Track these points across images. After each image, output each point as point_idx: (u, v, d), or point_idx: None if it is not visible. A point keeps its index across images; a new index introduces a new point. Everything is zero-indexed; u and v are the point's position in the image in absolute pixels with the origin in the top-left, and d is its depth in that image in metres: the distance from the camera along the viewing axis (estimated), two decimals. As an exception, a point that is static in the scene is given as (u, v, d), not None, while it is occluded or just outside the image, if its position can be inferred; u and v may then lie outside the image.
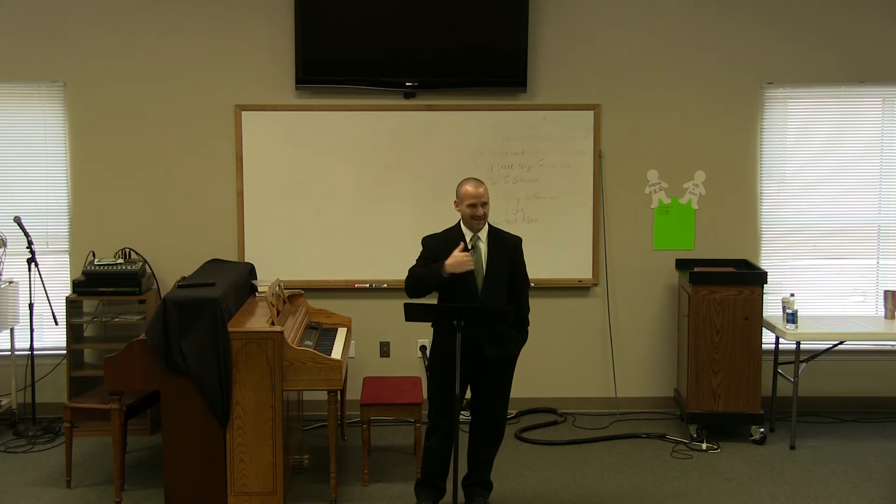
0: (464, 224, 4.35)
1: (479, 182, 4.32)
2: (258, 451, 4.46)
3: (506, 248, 4.38)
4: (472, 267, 4.21)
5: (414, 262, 4.36)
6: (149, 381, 4.48)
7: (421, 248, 4.38)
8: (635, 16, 5.95)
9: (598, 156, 5.98)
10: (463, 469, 4.46)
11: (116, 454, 4.59)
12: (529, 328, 5.96)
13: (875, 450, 5.43)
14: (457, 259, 4.18)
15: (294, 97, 5.89)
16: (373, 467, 5.05)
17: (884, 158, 6.07)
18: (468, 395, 4.43)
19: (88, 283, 5.61)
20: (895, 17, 5.96)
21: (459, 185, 4.35)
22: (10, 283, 5.75)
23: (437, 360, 4.37)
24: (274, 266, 5.79)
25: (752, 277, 5.52)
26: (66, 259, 5.97)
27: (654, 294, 6.10)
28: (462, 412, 4.55)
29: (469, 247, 4.30)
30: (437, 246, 4.32)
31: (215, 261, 5.62)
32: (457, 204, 4.35)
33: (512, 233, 4.48)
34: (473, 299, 4.25)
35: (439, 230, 4.43)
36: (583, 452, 5.40)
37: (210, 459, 4.46)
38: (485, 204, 4.30)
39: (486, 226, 4.37)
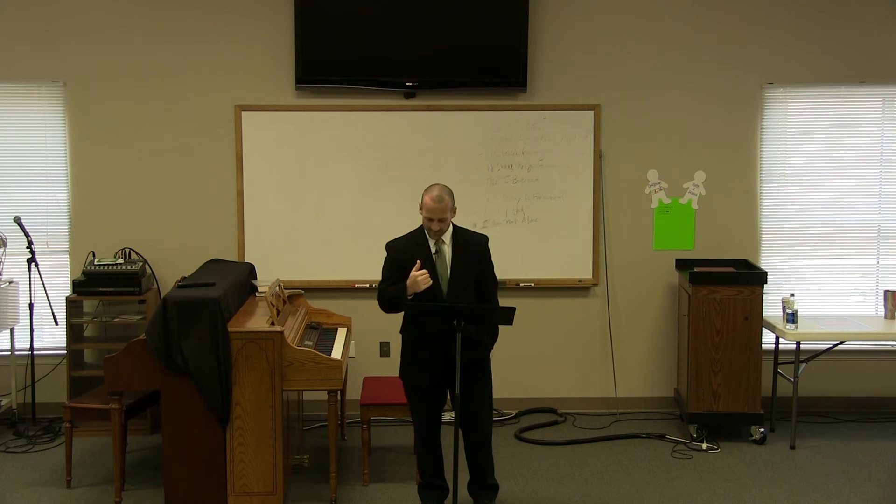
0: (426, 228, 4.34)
1: (442, 196, 4.21)
2: (258, 451, 4.46)
3: (471, 249, 4.33)
4: (430, 283, 4.17)
5: (381, 269, 4.36)
6: (149, 381, 4.48)
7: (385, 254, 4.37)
8: (635, 16, 5.95)
9: (598, 156, 5.98)
10: (466, 474, 4.47)
11: (116, 454, 4.59)
12: (529, 328, 6.00)
13: (875, 450, 5.43)
14: (413, 280, 4.17)
15: (294, 97, 5.89)
16: (373, 467, 5.05)
17: (884, 158, 6.07)
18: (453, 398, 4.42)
19: (88, 283, 5.61)
20: (895, 17, 5.96)
21: (425, 190, 4.29)
22: (10, 283, 5.75)
23: (410, 364, 4.37)
24: (274, 266, 5.78)
25: (752, 277, 5.52)
26: (66, 259, 5.97)
27: (654, 294, 6.10)
28: (447, 412, 4.54)
29: (433, 251, 4.29)
30: (401, 252, 4.31)
31: (215, 261, 5.62)
32: (420, 208, 4.32)
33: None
34: (440, 303, 4.23)
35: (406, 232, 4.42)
36: (583, 452, 5.40)
37: (210, 459, 4.46)
38: (442, 220, 4.22)
39: (451, 227, 4.34)
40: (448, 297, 4.25)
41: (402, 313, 4.36)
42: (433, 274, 4.23)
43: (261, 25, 5.86)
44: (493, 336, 4.42)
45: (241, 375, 4.43)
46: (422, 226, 4.36)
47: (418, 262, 4.21)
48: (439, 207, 4.21)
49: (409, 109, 5.92)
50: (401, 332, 4.41)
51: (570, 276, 6.05)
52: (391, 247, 4.38)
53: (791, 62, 5.98)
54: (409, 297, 4.20)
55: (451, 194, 4.28)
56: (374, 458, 5.21)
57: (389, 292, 4.28)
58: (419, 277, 4.16)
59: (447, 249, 4.31)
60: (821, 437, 5.63)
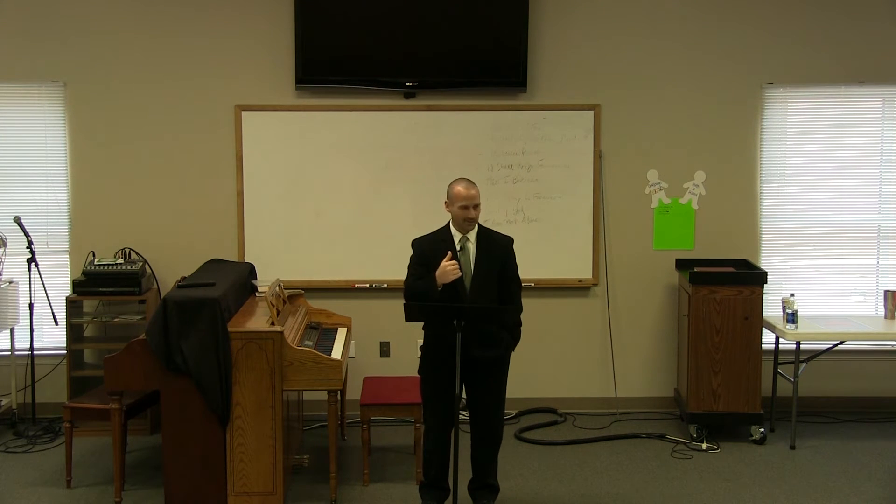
0: (453, 225, 4.34)
1: (471, 183, 4.29)
2: (258, 451, 4.46)
3: (495, 248, 4.35)
4: (459, 275, 4.19)
5: (407, 266, 4.37)
6: (149, 381, 4.48)
7: (411, 251, 4.38)
8: (635, 16, 5.95)
9: (598, 156, 5.98)
10: (468, 473, 4.47)
11: (116, 454, 4.59)
12: (529, 328, 5.96)
13: (875, 450, 5.43)
14: (443, 270, 4.18)
15: (294, 97, 5.89)
16: (373, 467, 5.05)
17: (884, 158, 6.07)
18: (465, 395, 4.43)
19: (88, 283, 5.62)
20: (895, 17, 5.97)
21: (451, 185, 4.32)
22: (10, 283, 5.75)
23: (427, 361, 4.38)
24: (274, 266, 5.79)
25: (752, 277, 5.52)
26: (66, 259, 5.97)
27: (654, 294, 6.10)
28: (461, 412, 4.55)
29: (458, 248, 4.30)
30: (427, 249, 4.32)
31: (215, 261, 5.62)
32: (447, 204, 4.33)
33: (505, 233, 4.46)
34: (462, 301, 4.23)
35: (430, 231, 4.42)
36: (583, 452, 5.40)
37: (210, 459, 4.46)
38: (476, 206, 4.27)
39: (476, 226, 4.35)
40: (470, 294, 4.26)
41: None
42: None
43: (261, 25, 5.86)
44: (515, 336, 4.42)
45: (241, 375, 4.43)
46: (447, 224, 4.37)
47: (449, 252, 4.22)
48: (473, 193, 4.26)
49: (409, 109, 5.92)
50: (423, 328, 4.41)
51: (570, 276, 6.05)
52: (417, 243, 4.39)
53: (791, 62, 5.98)
54: (439, 289, 4.20)
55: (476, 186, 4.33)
56: (374, 458, 5.21)
57: (418, 286, 4.28)
58: (448, 267, 4.17)
59: (472, 247, 4.32)
60: (821, 437, 5.63)
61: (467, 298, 4.25)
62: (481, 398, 4.35)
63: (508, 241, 4.42)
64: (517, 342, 4.43)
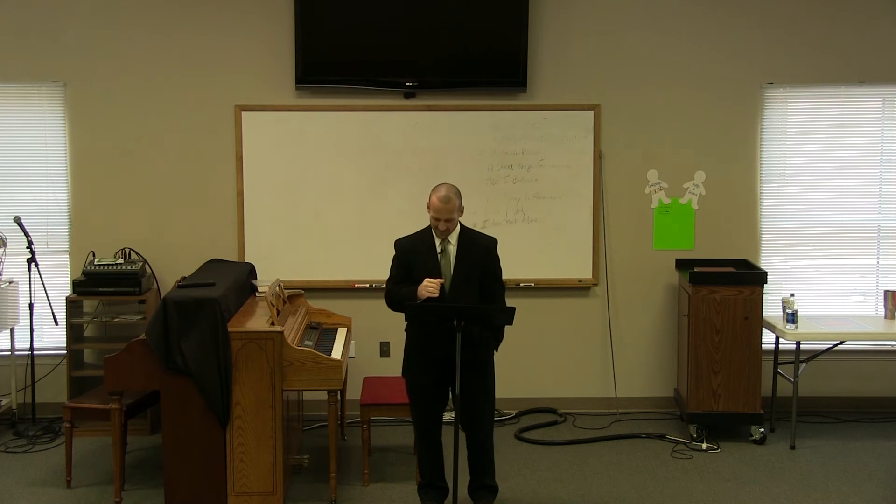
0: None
1: (449, 196, 4.22)
2: (258, 451, 4.46)
3: (477, 250, 4.33)
4: (436, 294, 4.16)
5: (390, 266, 4.39)
6: (149, 381, 4.48)
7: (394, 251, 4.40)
8: (635, 16, 5.95)
9: (598, 156, 5.98)
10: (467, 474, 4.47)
11: (116, 454, 4.59)
12: (529, 328, 5.98)
13: (875, 450, 5.43)
14: (423, 286, 4.17)
15: (294, 97, 5.89)
16: (373, 467, 5.05)
17: (884, 158, 6.07)
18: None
19: (88, 283, 5.61)
20: (895, 17, 5.97)
21: (433, 189, 4.30)
22: (10, 283, 5.75)
23: (412, 362, 4.38)
24: (274, 266, 5.79)
25: (752, 277, 5.52)
26: (66, 259, 5.97)
27: (654, 294, 6.10)
28: (448, 411, 4.54)
29: (438, 250, 4.29)
30: (408, 249, 4.33)
31: (215, 261, 5.62)
32: (428, 207, 4.32)
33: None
34: (441, 302, 4.23)
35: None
36: (583, 452, 5.40)
37: (210, 459, 4.46)
38: (449, 220, 4.23)
39: (458, 227, 4.34)
40: (450, 296, 4.25)
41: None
42: (437, 274, 4.24)
43: (261, 25, 5.86)
44: (499, 337, 4.42)
45: (241, 375, 4.43)
46: (430, 225, 4.36)
47: (439, 281, 4.19)
48: (446, 208, 4.22)
49: (409, 109, 5.92)
50: (406, 330, 4.41)
51: (570, 276, 6.05)
52: (398, 244, 4.40)
53: (791, 62, 5.98)
54: (419, 301, 4.19)
55: (459, 194, 4.28)
56: (374, 458, 5.21)
57: (398, 294, 4.29)
58: (426, 284, 4.17)
59: (452, 249, 4.31)
60: (821, 437, 5.63)
61: (447, 300, 4.24)
62: (468, 399, 4.31)
63: (491, 242, 4.40)
64: (500, 342, 4.43)
